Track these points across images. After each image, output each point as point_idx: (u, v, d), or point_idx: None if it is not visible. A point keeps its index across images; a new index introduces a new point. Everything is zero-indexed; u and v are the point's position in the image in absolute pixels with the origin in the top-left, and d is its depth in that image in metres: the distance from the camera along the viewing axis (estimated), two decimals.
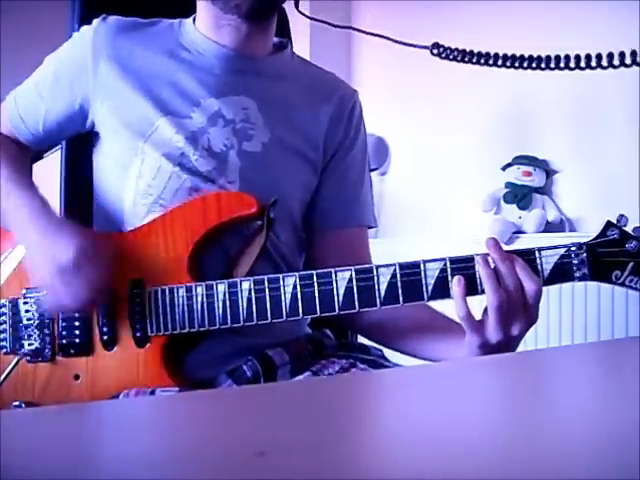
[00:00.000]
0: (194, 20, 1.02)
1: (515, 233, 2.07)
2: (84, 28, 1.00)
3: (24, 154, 1.04)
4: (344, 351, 1.02)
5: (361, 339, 1.14)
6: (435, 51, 0.91)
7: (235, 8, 0.94)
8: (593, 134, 2.10)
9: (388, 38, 0.96)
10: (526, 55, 0.85)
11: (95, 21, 0.99)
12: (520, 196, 2.13)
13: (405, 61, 2.30)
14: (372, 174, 2.76)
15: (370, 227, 1.10)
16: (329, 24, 1.04)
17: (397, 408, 0.42)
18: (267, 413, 0.40)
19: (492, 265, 0.82)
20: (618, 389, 0.46)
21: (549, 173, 2.17)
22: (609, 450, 0.31)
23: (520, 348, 0.87)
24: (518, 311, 0.81)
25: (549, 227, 2.09)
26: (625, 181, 1.94)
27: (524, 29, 2.16)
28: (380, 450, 0.33)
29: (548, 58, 0.84)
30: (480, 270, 0.81)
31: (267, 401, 0.44)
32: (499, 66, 0.85)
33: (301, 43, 2.29)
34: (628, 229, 0.82)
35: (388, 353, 1.04)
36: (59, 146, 1.20)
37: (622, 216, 0.83)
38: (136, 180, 0.96)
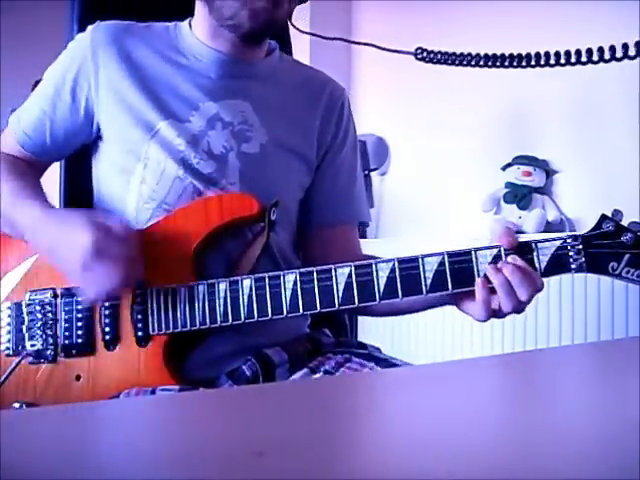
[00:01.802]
0: (189, 24, 1.02)
1: (515, 233, 2.07)
2: (79, 36, 1.00)
3: (31, 170, 1.02)
4: (342, 348, 1.02)
5: (360, 338, 1.14)
6: (419, 56, 0.92)
7: (232, 27, 0.95)
8: (593, 134, 2.10)
9: (375, 46, 0.97)
10: (516, 54, 0.85)
11: (90, 27, 0.99)
12: (520, 196, 2.12)
13: (405, 61, 2.29)
14: (372, 174, 2.76)
15: (365, 223, 1.12)
16: (322, 37, 1.05)
17: (397, 408, 0.42)
18: (266, 413, 0.40)
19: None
20: (618, 389, 0.46)
21: (549, 173, 2.17)
22: (609, 450, 0.31)
23: (520, 348, 0.88)
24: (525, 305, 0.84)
25: (549, 227, 2.09)
26: (625, 181, 1.94)
27: (524, 29, 2.16)
28: (379, 450, 0.33)
29: (528, 56, 0.83)
30: (493, 277, 0.82)
31: (267, 401, 0.44)
32: (489, 67, 0.86)
33: (301, 42, 2.29)
34: (624, 224, 0.83)
35: (387, 351, 1.04)
36: None
37: (617, 211, 0.84)
38: (139, 185, 0.96)
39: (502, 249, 0.84)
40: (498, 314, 0.84)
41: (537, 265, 0.82)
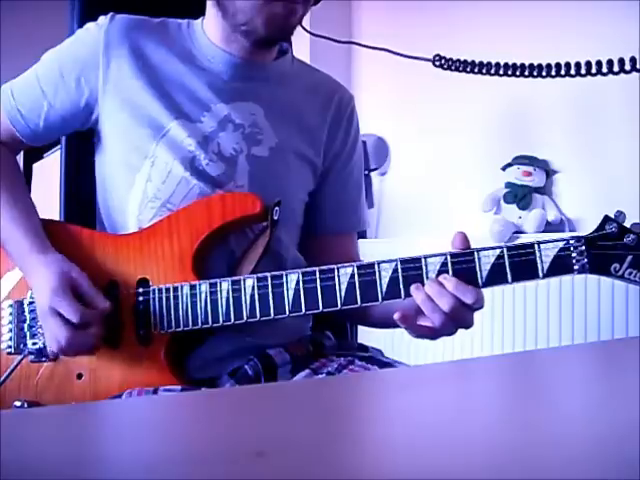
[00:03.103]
0: (202, 23, 1.02)
1: (515, 233, 2.07)
2: (90, 25, 0.99)
3: (13, 158, 1.03)
4: (343, 351, 1.02)
5: (360, 339, 1.14)
6: (437, 63, 0.93)
7: (245, 33, 0.95)
8: (593, 134, 2.10)
9: (391, 51, 0.98)
10: (526, 64, 0.87)
11: (103, 18, 0.98)
12: (520, 196, 2.12)
13: (405, 61, 2.29)
14: (372, 174, 2.75)
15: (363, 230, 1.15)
16: (332, 40, 1.06)
17: (397, 408, 0.42)
18: (267, 413, 0.40)
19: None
20: (618, 389, 0.46)
21: (549, 173, 2.17)
22: (609, 450, 0.31)
23: (520, 348, 0.88)
24: (462, 316, 0.83)
25: (549, 227, 2.09)
26: (625, 181, 1.94)
27: (525, 31, 2.16)
28: (380, 450, 0.33)
29: (549, 66, 0.85)
30: (415, 295, 0.82)
31: (267, 401, 0.44)
32: (500, 75, 0.87)
33: (301, 42, 2.28)
34: (626, 225, 0.83)
35: (388, 352, 1.05)
36: (59, 146, 1.19)
37: (620, 212, 0.84)
38: (145, 183, 0.96)
39: (505, 249, 0.83)
40: (439, 332, 0.84)
41: (539, 266, 0.82)
